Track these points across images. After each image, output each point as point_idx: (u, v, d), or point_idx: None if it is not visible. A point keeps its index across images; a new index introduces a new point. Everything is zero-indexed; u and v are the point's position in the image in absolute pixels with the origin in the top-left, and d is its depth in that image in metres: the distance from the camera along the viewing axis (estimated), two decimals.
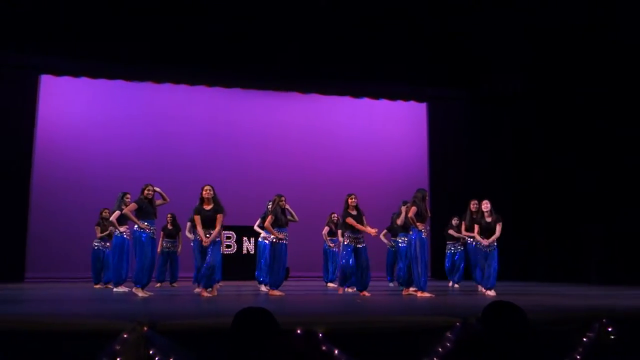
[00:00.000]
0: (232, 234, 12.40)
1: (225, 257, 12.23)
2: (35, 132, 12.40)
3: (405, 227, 8.41)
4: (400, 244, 9.09)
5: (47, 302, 6.27)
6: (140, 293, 7.35)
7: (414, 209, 7.76)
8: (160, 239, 9.97)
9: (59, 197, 12.28)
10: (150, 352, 3.45)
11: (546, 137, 13.02)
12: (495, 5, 11.93)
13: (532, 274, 12.72)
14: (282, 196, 8.30)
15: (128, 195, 8.77)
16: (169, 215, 10.12)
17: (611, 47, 11.22)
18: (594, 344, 4.11)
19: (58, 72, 12.75)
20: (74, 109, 12.94)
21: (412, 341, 3.91)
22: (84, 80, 12.99)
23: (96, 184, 12.17)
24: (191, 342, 3.61)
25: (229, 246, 12.39)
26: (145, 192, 7.67)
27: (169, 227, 10.21)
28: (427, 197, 8.07)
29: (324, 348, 3.61)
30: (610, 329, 4.16)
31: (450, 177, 14.18)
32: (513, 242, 13.37)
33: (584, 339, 4.11)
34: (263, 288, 8.71)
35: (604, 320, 4.20)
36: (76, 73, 12.88)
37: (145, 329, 3.51)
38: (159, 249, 9.70)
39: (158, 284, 9.97)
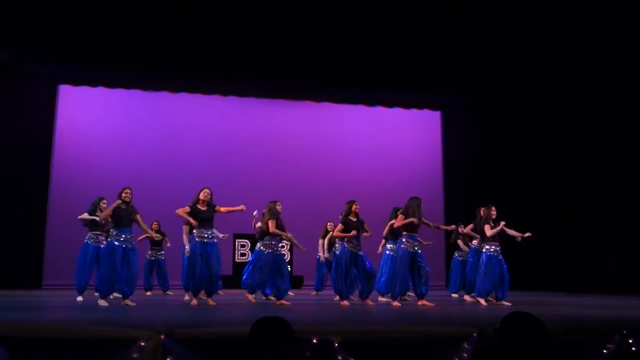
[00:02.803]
0: (247, 242, 12.43)
1: (240, 265, 12.29)
2: (54, 140, 12.56)
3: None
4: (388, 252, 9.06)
5: (64, 309, 6.32)
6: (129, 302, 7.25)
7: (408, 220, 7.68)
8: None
9: (76, 205, 12.31)
10: (167, 359, 3.47)
11: (563, 143, 12.90)
12: (509, 10, 11.89)
13: (547, 283, 12.58)
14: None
15: (104, 201, 8.64)
16: (154, 223, 10.01)
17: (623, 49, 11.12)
18: (613, 356, 4.04)
19: (76, 81, 12.92)
20: (91, 118, 13.07)
21: (429, 351, 3.88)
22: (101, 90, 13.13)
23: (113, 192, 12.19)
24: (207, 350, 3.61)
25: (243, 254, 12.42)
26: (123, 195, 7.47)
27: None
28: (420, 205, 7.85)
29: (339, 357, 3.60)
30: (631, 341, 4.09)
31: (465, 185, 14.09)
32: (528, 251, 13.26)
33: (604, 351, 4.05)
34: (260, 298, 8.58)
35: (624, 331, 4.13)
36: (93, 82, 13.03)
37: (162, 336, 3.53)
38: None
39: (148, 292, 10.01)
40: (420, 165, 14.53)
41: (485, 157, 14.27)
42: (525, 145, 14.02)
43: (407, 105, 14.77)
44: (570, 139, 12.55)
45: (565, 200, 12.69)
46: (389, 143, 14.52)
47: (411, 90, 13.89)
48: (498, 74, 13.57)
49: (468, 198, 13.44)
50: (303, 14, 11.80)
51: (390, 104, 14.67)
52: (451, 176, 14.50)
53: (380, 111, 14.71)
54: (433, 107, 14.93)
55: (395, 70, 12.96)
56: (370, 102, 14.52)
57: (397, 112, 14.81)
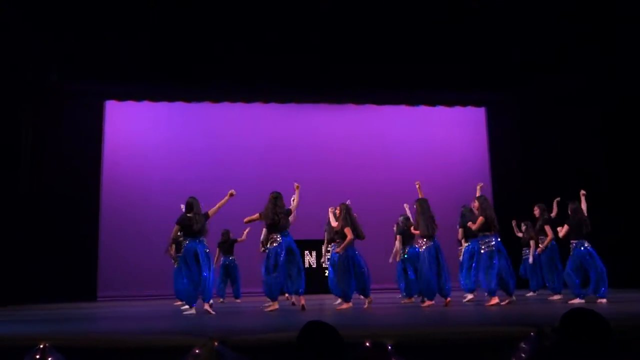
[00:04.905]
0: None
1: None
2: (103, 156, 12.89)
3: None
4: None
5: (119, 320, 6.45)
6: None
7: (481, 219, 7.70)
8: (216, 255, 10.18)
9: (126, 218, 12.67)
10: None
11: (613, 136, 12.43)
12: (552, 5, 11.57)
13: (609, 279, 12.10)
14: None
15: None
16: (224, 232, 10.34)
17: None
18: None
19: (121, 97, 13.26)
20: (137, 131, 13.38)
21: (485, 352, 3.78)
22: (146, 104, 13.44)
23: (162, 203, 12.46)
24: (261, 357, 3.61)
25: None
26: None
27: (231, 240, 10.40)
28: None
29: None
30: None
31: (513, 182, 13.77)
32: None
33: None
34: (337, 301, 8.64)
35: None
36: (138, 97, 13.35)
37: (216, 344, 3.55)
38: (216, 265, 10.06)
39: (220, 300, 10.13)
40: (467, 163, 14.28)
41: (533, 150, 13.91)
42: (574, 137, 13.59)
43: (450, 103, 14.58)
44: (624, 129, 12.10)
45: (620, 193, 12.22)
46: (435, 142, 14.35)
47: (454, 88, 13.66)
48: (541, 67, 13.21)
49: (517, 195, 13.13)
50: (342, 17, 11.75)
51: (433, 103, 14.51)
52: (498, 172, 14.20)
53: (424, 110, 14.56)
54: (477, 104, 14.68)
55: (438, 69, 12.77)
56: (413, 101, 14.38)
57: (441, 110, 14.63)
